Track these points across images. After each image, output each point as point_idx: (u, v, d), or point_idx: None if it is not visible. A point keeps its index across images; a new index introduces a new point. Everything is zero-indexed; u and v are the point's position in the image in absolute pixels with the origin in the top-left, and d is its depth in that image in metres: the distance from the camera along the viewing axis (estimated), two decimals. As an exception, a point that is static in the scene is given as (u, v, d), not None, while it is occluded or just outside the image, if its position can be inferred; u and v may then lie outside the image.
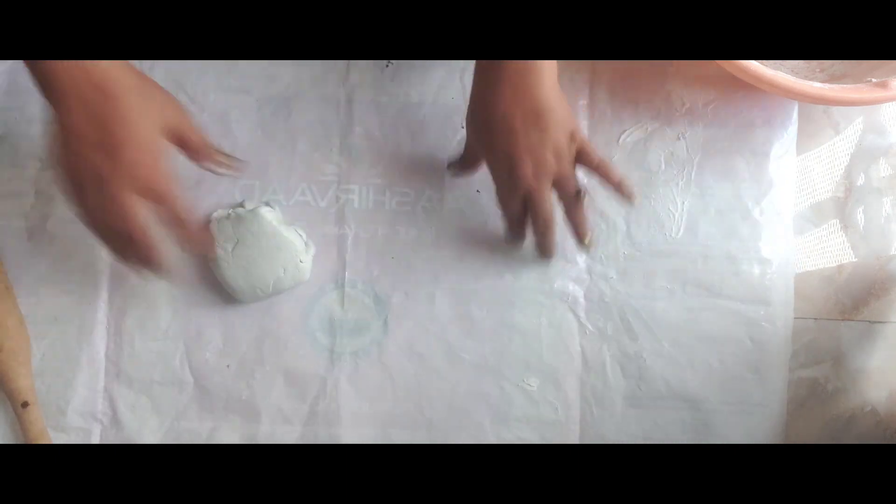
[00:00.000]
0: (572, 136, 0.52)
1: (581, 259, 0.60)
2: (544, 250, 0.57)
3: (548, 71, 0.49)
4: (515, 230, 0.56)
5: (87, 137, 0.48)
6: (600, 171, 0.54)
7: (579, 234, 0.55)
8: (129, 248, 0.50)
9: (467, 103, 0.52)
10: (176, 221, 0.50)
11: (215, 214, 0.58)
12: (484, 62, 0.50)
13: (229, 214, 0.58)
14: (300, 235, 0.59)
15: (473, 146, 0.55)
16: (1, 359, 0.56)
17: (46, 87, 0.47)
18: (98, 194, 0.48)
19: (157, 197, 0.49)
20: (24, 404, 0.56)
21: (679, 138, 0.61)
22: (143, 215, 0.49)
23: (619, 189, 0.54)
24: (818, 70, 0.60)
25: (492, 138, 0.51)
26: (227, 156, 0.55)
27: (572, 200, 0.54)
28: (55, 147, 0.48)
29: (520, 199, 0.53)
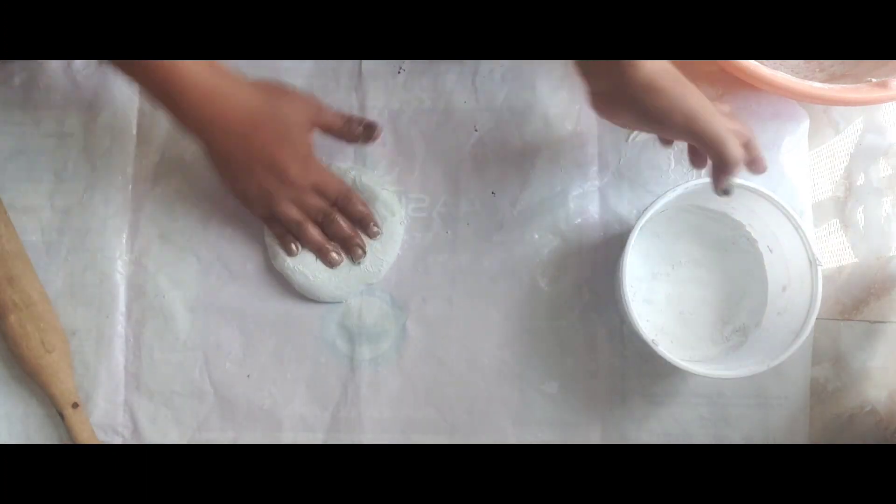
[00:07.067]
0: None
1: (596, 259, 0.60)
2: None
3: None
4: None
5: (242, 162, 0.51)
6: None
7: None
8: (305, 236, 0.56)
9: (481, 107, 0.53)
10: (347, 201, 0.56)
11: None
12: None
13: None
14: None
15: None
16: (53, 360, 0.56)
17: (188, 123, 0.49)
18: (267, 206, 0.54)
19: (327, 191, 0.55)
20: (75, 405, 0.56)
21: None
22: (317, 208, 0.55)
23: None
24: (818, 70, 0.60)
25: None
26: (367, 124, 0.57)
27: None
28: (216, 171, 0.53)
29: None
